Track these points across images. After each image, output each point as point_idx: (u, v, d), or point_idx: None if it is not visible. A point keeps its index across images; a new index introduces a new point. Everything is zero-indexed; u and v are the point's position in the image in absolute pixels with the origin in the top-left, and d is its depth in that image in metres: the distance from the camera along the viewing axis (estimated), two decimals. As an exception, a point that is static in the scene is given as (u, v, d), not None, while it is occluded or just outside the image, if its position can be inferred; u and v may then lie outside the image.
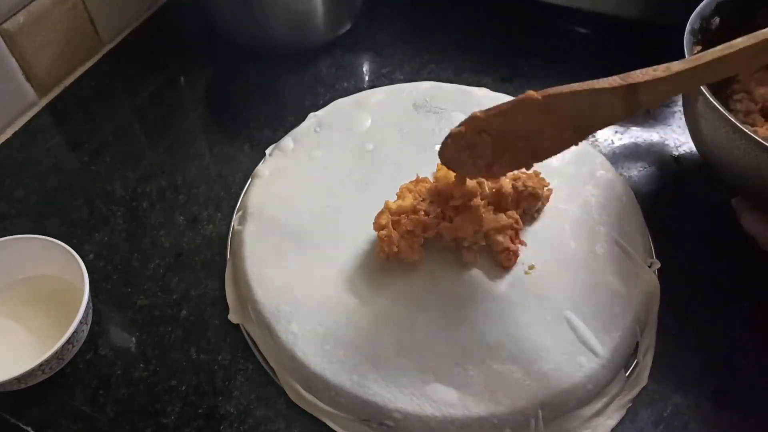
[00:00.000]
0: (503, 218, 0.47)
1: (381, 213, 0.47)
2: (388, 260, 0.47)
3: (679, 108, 0.62)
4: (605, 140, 0.60)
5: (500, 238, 0.46)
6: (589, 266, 0.47)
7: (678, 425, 0.42)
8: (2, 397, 0.43)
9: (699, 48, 0.50)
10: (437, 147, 0.56)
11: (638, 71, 0.36)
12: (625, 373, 0.44)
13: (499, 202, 0.48)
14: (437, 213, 0.47)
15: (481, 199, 0.47)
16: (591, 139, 0.58)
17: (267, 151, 0.57)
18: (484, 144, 0.41)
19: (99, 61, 0.68)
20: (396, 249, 0.46)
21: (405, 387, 0.41)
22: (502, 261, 0.47)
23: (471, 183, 0.47)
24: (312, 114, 0.59)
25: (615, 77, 0.36)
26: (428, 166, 0.50)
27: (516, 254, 0.47)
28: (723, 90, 0.55)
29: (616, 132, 0.60)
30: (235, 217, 0.53)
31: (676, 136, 0.60)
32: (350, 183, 0.53)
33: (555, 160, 0.54)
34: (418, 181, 0.50)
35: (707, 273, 0.50)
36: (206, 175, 0.57)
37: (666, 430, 0.42)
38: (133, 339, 0.47)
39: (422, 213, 0.47)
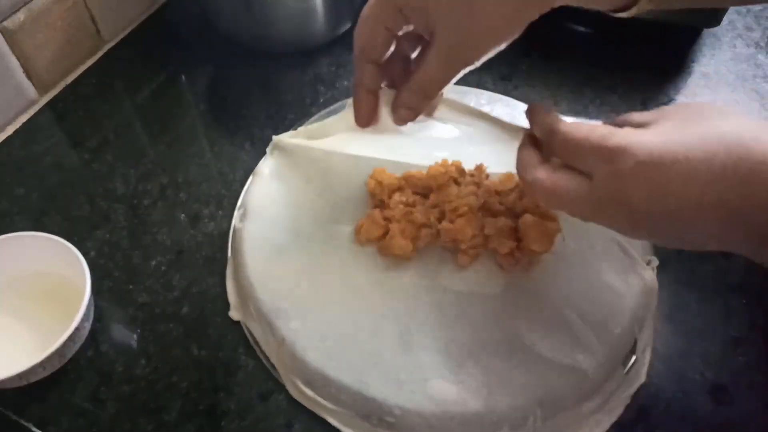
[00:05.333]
0: (502, 220, 0.47)
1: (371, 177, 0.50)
2: (382, 249, 0.47)
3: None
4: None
5: (506, 240, 0.46)
6: (587, 264, 0.48)
7: (676, 422, 0.43)
8: (3, 394, 0.43)
9: None
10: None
11: None
12: (624, 370, 0.44)
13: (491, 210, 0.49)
14: (426, 206, 0.48)
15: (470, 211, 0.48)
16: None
17: (268, 149, 0.57)
18: None
19: (100, 59, 0.68)
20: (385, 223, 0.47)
21: (405, 384, 0.42)
22: (503, 264, 0.47)
23: (454, 190, 0.48)
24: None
25: None
26: (428, 166, 0.50)
27: (519, 259, 0.47)
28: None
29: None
30: (236, 215, 0.53)
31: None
32: (350, 181, 0.53)
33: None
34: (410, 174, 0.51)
35: (706, 270, 0.50)
36: (207, 172, 0.58)
37: (664, 428, 0.42)
38: (135, 336, 0.47)
39: (411, 200, 0.48)
